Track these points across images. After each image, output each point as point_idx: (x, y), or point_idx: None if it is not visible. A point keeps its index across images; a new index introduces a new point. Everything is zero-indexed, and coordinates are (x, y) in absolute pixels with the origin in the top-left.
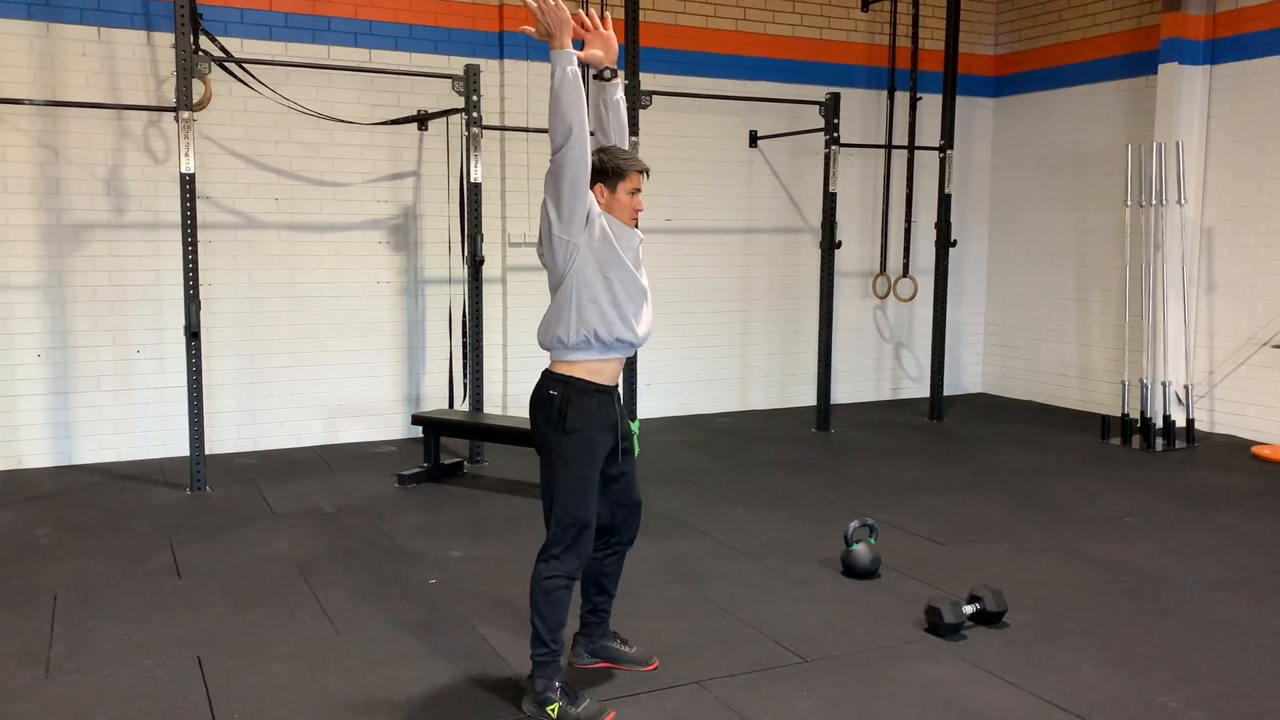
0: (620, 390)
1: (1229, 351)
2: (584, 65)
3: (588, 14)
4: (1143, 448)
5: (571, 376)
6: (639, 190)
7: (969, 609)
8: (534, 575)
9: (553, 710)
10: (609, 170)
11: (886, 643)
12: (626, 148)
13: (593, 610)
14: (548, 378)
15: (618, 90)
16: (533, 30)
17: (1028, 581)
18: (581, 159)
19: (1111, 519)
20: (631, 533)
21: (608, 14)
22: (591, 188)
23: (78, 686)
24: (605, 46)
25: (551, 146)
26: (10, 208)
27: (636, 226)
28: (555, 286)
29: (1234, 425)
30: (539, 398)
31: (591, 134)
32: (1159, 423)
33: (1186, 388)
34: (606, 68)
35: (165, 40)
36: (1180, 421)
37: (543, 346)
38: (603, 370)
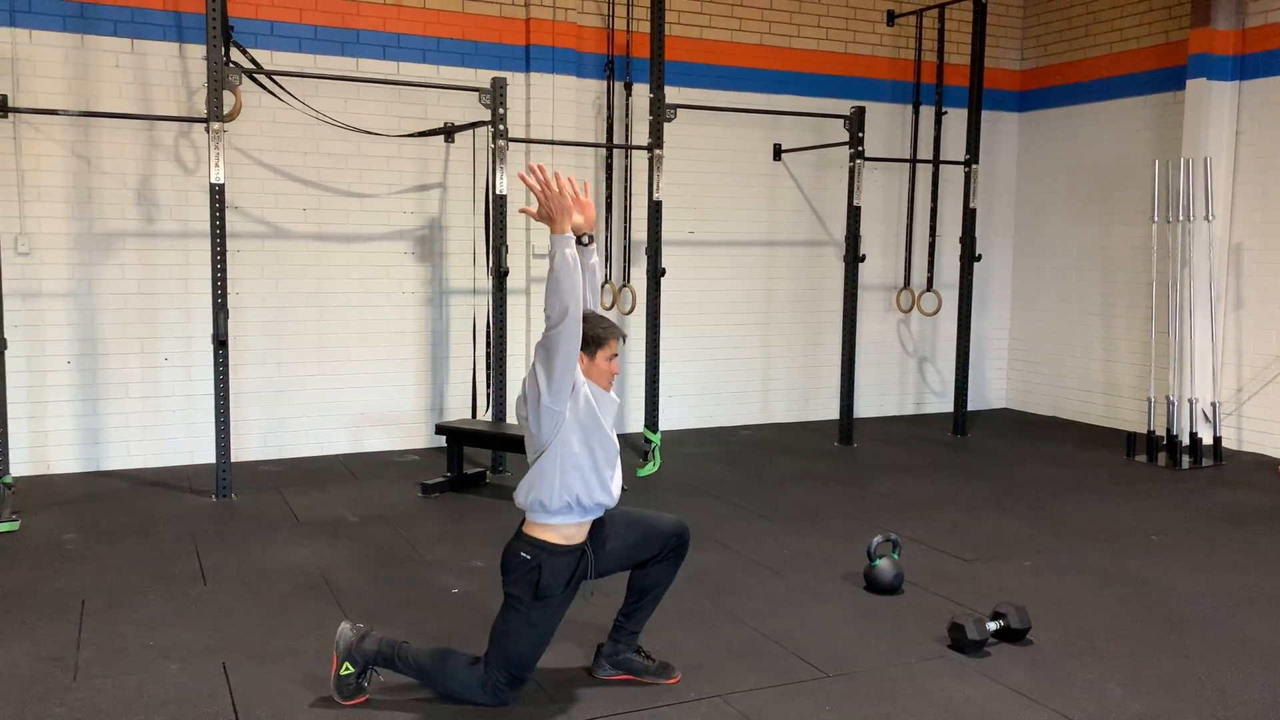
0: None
1: (1257, 369)
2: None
3: (570, 181)
4: (1169, 465)
5: (547, 541)
6: (616, 355)
7: (993, 626)
8: (462, 673)
9: (346, 668)
10: (590, 338)
11: (909, 659)
12: (600, 310)
13: (630, 616)
14: (521, 540)
15: (593, 255)
16: (533, 212)
17: (1052, 599)
18: (575, 337)
19: (1137, 537)
20: (673, 548)
21: (587, 182)
22: None
23: (104, 691)
24: (584, 213)
25: (547, 323)
26: (43, 216)
27: (610, 390)
28: (537, 453)
29: (1262, 443)
30: (514, 558)
31: None
32: (1185, 440)
33: (1214, 405)
34: (586, 233)
35: (197, 52)
36: (1207, 439)
37: (521, 507)
38: (578, 533)
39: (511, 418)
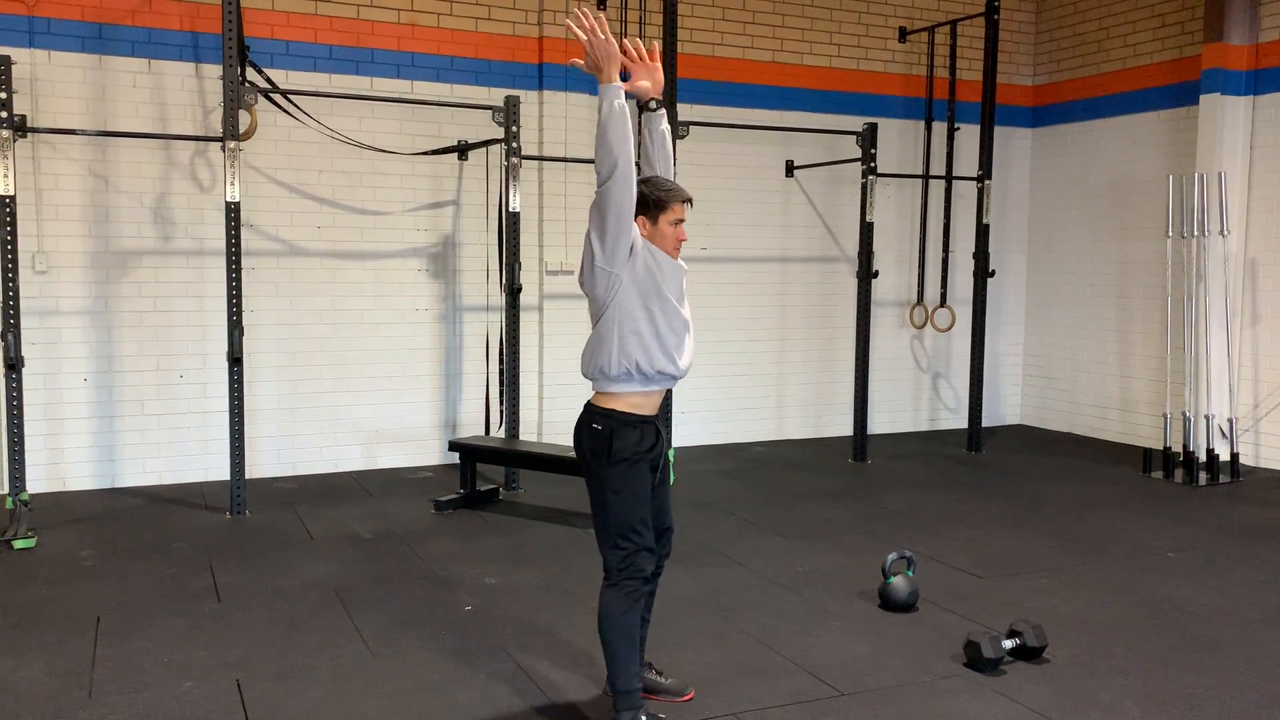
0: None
1: (1274, 384)
2: (630, 96)
3: (635, 45)
4: (1185, 482)
5: (614, 410)
6: (682, 220)
7: (1009, 644)
8: (601, 610)
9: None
10: (651, 201)
11: (924, 677)
12: (671, 178)
13: None
14: (591, 410)
15: (663, 121)
16: (581, 63)
17: (1069, 616)
18: (626, 192)
19: (1154, 554)
20: (663, 557)
21: (654, 44)
22: (634, 219)
23: (119, 708)
24: (652, 78)
25: (597, 179)
26: (61, 235)
27: (679, 257)
28: (597, 316)
29: (1279, 459)
30: (584, 429)
31: (637, 164)
32: (1202, 456)
33: (1230, 421)
34: (653, 99)
35: (213, 72)
36: (1224, 455)
37: (585, 375)
38: (645, 403)
39: (525, 434)
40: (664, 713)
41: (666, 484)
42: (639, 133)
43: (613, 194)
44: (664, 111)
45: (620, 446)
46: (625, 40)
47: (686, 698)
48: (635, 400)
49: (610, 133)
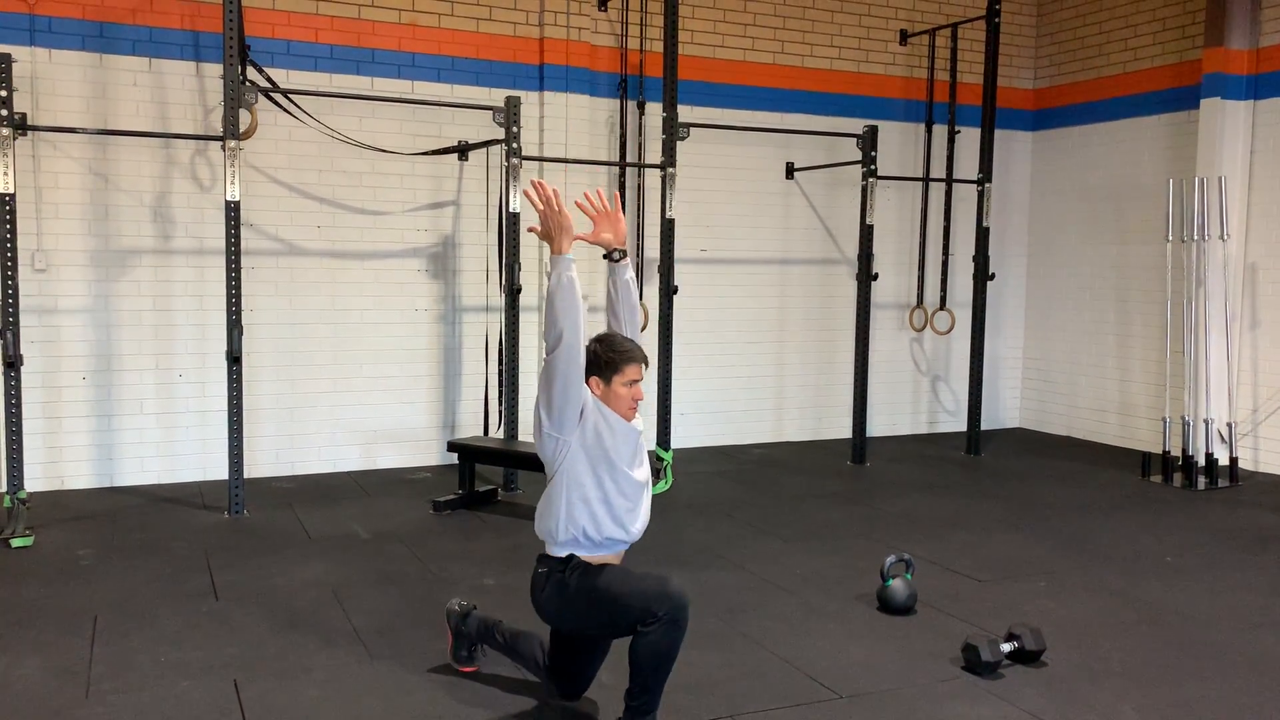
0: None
1: (1273, 389)
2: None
3: (596, 198)
4: (1184, 486)
5: (567, 556)
6: (637, 381)
7: (1007, 647)
8: (664, 648)
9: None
10: (604, 362)
11: (922, 680)
12: (638, 326)
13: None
14: (541, 560)
15: (627, 271)
16: (538, 230)
17: (1067, 620)
18: (572, 363)
19: (1153, 558)
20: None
21: (617, 194)
22: (587, 380)
23: (116, 707)
24: (614, 229)
25: (545, 346)
26: (60, 233)
27: (635, 418)
28: (549, 476)
29: (1278, 464)
30: (537, 580)
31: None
32: (1201, 461)
33: (1229, 425)
34: (616, 249)
35: (214, 71)
36: (1223, 459)
37: (537, 534)
38: (594, 562)
39: (524, 435)
40: (661, 714)
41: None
42: (605, 284)
43: (560, 363)
44: (628, 261)
45: (578, 578)
46: (586, 193)
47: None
48: (583, 558)
49: (558, 303)
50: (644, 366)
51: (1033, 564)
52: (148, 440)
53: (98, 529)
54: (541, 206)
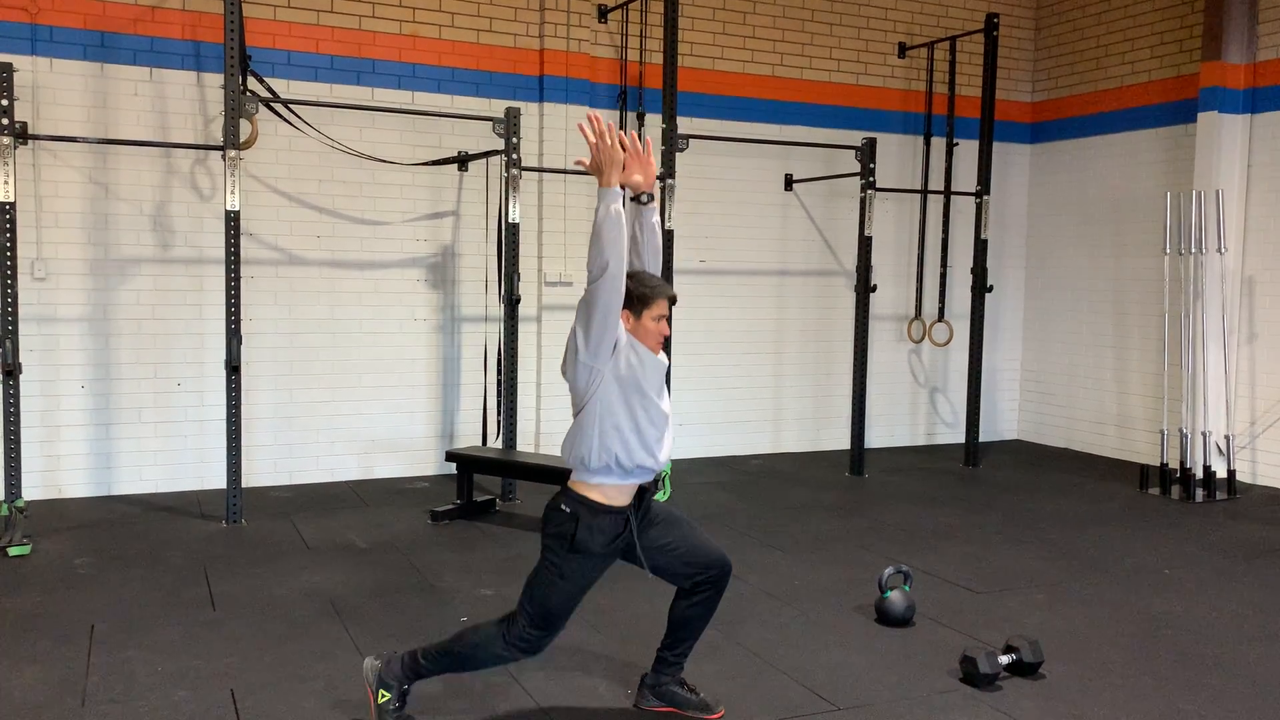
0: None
1: (1270, 402)
2: (623, 187)
3: (631, 140)
4: (1182, 498)
5: (587, 498)
6: (665, 316)
7: (1005, 659)
8: (483, 636)
9: (383, 695)
10: (635, 296)
11: (920, 692)
12: (659, 270)
13: (671, 647)
14: (564, 494)
15: (654, 214)
16: (585, 163)
17: (1065, 632)
18: (615, 293)
19: (1150, 570)
20: (714, 578)
21: (649, 138)
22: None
23: (113, 717)
24: (645, 172)
25: (588, 277)
26: (60, 242)
27: (661, 351)
28: (578, 408)
29: (1276, 477)
30: (553, 510)
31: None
32: (1199, 473)
33: (1227, 438)
34: (645, 192)
35: (214, 81)
36: (1221, 472)
37: (566, 463)
38: (619, 495)
39: (523, 445)
40: None
41: (683, 526)
42: (630, 225)
43: (601, 292)
44: (656, 205)
45: (583, 539)
46: (621, 134)
47: (716, 716)
48: (611, 492)
49: (605, 234)
50: (672, 302)
51: (1031, 576)
52: (146, 449)
53: (95, 538)
54: (594, 139)
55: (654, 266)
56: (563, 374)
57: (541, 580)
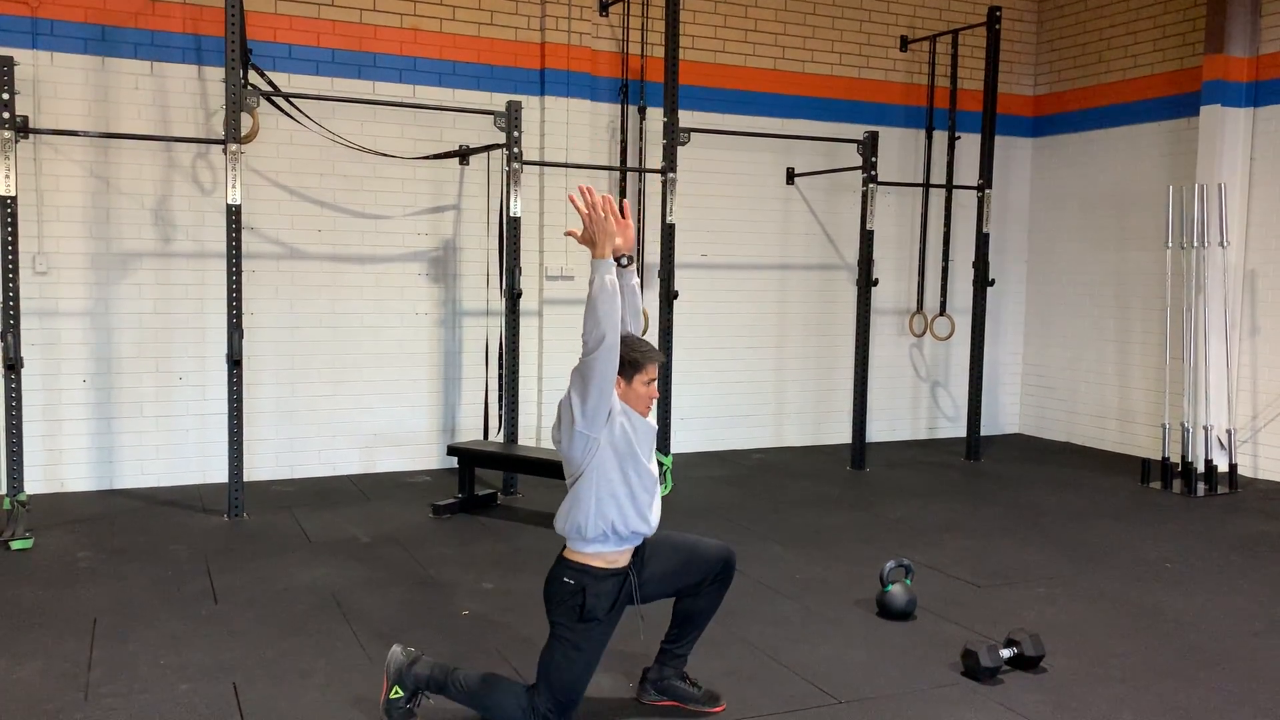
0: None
1: (1272, 396)
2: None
3: (608, 202)
4: (1184, 492)
5: (589, 565)
6: (654, 380)
7: (1006, 653)
8: (509, 698)
9: (396, 691)
10: (627, 361)
11: (922, 685)
12: (640, 330)
13: (675, 640)
14: (563, 565)
15: (633, 276)
16: (577, 234)
17: (1066, 626)
18: (610, 364)
19: (1152, 564)
20: (718, 574)
21: (626, 203)
22: None
23: (115, 710)
24: (624, 234)
25: (584, 348)
26: (61, 236)
27: (648, 414)
28: (573, 478)
29: (1277, 471)
30: (555, 583)
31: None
32: (1200, 467)
33: (1229, 432)
34: (624, 255)
35: (215, 75)
36: (1222, 466)
37: (560, 533)
38: (618, 559)
39: (524, 439)
40: None
41: (671, 543)
42: None
43: (598, 364)
44: (634, 268)
45: (592, 606)
46: (610, 202)
47: (719, 709)
48: (610, 557)
49: (600, 307)
50: (659, 366)
51: (1032, 570)
52: (148, 443)
53: (97, 532)
54: (587, 211)
55: (635, 327)
56: (554, 442)
57: (558, 659)
